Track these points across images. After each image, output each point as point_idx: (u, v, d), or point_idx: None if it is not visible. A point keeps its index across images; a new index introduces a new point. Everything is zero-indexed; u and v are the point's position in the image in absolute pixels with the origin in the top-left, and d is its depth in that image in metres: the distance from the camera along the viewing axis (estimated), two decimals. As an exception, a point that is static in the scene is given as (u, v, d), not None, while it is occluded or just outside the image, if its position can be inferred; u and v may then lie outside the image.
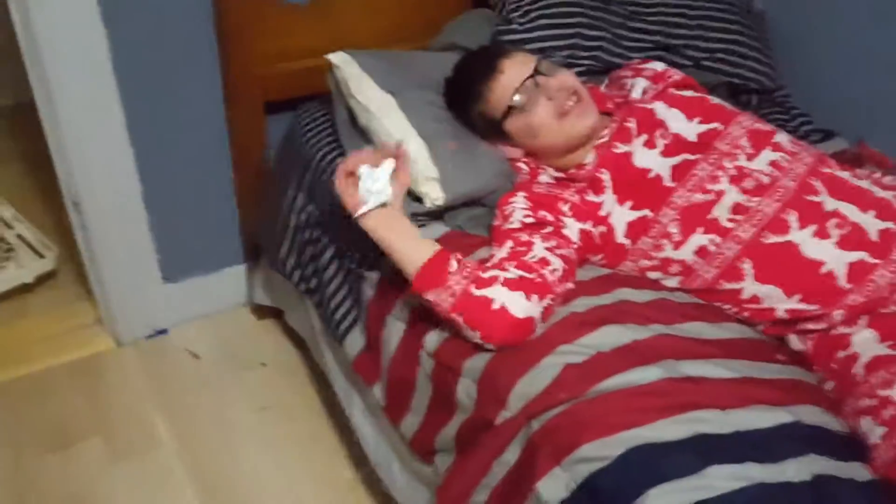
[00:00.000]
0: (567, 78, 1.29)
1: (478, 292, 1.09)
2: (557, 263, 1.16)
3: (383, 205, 1.14)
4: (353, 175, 1.14)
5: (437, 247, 1.14)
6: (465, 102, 1.37)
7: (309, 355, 1.82)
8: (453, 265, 1.11)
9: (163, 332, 1.93)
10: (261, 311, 1.97)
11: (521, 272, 1.12)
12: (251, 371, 1.85)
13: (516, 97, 1.28)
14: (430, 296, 1.11)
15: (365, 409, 1.49)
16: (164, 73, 1.60)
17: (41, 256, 2.03)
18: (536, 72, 1.28)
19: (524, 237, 1.19)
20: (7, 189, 2.25)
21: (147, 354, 1.88)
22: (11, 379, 1.78)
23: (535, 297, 1.10)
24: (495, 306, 1.08)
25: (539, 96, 1.27)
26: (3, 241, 2.07)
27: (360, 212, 1.15)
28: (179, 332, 1.94)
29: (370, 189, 1.14)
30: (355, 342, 1.42)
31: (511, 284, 1.09)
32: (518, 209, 1.24)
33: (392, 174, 1.15)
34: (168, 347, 1.91)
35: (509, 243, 1.19)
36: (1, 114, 2.76)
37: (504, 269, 1.12)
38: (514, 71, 1.29)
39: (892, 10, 1.57)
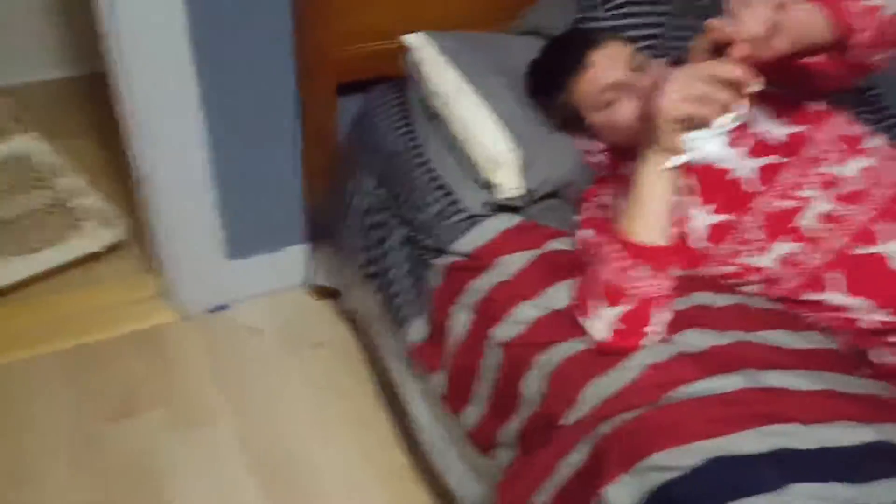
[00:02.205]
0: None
1: (656, 313, 1.06)
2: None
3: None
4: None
5: (668, 239, 1.07)
6: (548, 92, 1.33)
7: (366, 338, 1.82)
8: (675, 271, 1.08)
9: (224, 307, 1.95)
10: (320, 292, 1.98)
11: None
12: (308, 350, 1.86)
13: (604, 94, 1.23)
14: (640, 269, 1.04)
15: (423, 396, 1.48)
16: (240, 50, 1.60)
17: (110, 226, 2.06)
18: (628, 68, 1.23)
19: None
20: (81, 160, 2.29)
21: (208, 328, 1.90)
22: (77, 346, 1.82)
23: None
24: (649, 327, 1.05)
25: (628, 94, 1.22)
26: (73, 210, 2.11)
27: (672, 164, 1.00)
28: (240, 307, 1.95)
29: (707, 147, 0.96)
30: (418, 329, 1.40)
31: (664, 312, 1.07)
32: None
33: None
34: (229, 322, 1.92)
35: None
36: (77, 84, 2.81)
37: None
38: (604, 66, 1.24)
39: None
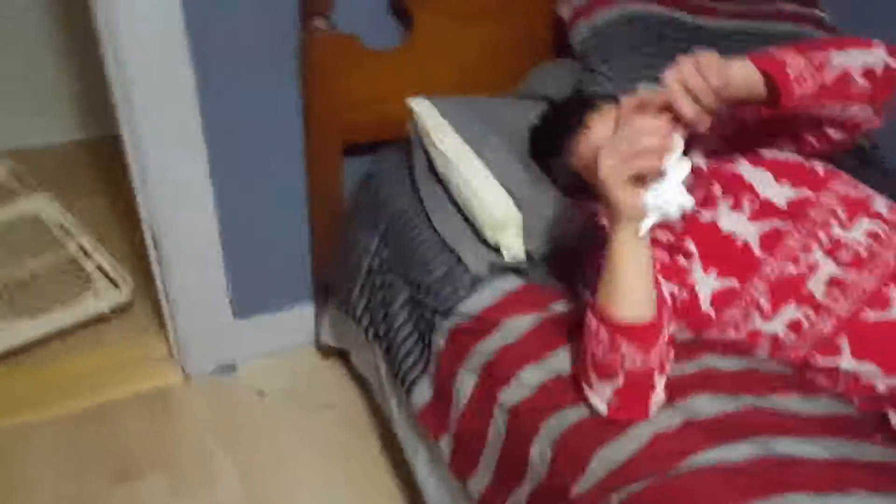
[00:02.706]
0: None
1: (657, 378, 1.03)
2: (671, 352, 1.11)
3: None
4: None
5: (655, 309, 1.02)
6: (549, 154, 1.34)
7: (373, 400, 1.80)
8: (664, 337, 1.03)
9: (230, 367, 1.94)
10: (327, 352, 1.97)
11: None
12: (315, 412, 1.84)
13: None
14: (626, 348, 1.00)
15: (429, 462, 1.45)
16: (248, 112, 1.63)
17: (118, 287, 2.07)
18: None
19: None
20: (88, 219, 2.32)
21: (214, 390, 1.89)
22: (82, 408, 1.81)
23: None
24: (653, 400, 1.03)
25: None
26: (83, 270, 2.12)
27: (645, 227, 0.95)
28: (247, 368, 1.94)
29: (666, 198, 0.91)
30: (423, 392, 1.39)
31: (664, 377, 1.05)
32: None
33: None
34: (235, 384, 1.91)
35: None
36: (87, 146, 2.86)
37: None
38: (603, 128, 1.25)
39: None
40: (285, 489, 1.65)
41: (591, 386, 1.06)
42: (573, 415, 1.08)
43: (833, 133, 1.18)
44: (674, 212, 0.93)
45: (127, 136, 1.62)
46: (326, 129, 1.63)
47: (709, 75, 0.91)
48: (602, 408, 1.05)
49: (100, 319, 2.03)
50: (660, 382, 1.04)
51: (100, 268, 2.13)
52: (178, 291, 1.78)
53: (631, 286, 1.01)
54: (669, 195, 0.92)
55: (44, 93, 2.79)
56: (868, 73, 1.08)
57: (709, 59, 0.92)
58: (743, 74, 0.99)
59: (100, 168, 2.72)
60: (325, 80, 1.56)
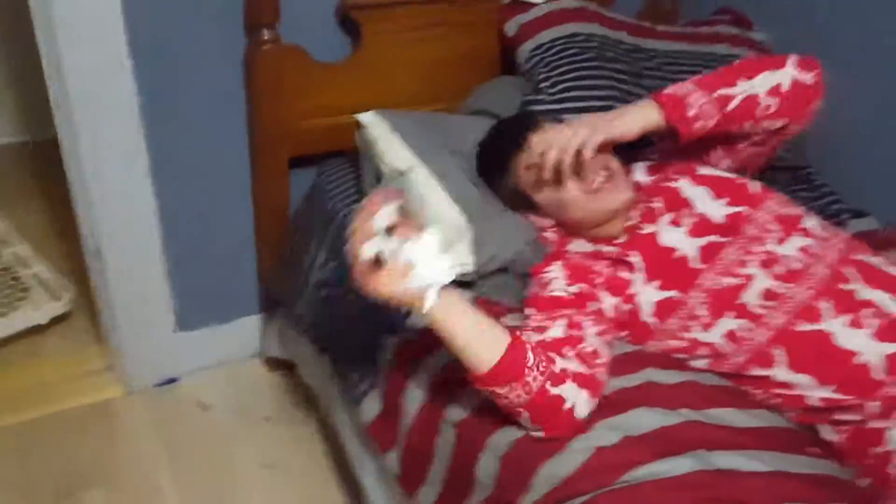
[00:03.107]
0: (595, 164, 1.25)
1: (553, 390, 1.03)
2: (604, 352, 1.13)
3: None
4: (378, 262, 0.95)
5: (507, 333, 1.03)
6: (494, 173, 1.36)
7: (319, 412, 1.79)
8: (531, 358, 1.02)
9: (173, 380, 1.91)
10: (273, 364, 1.95)
11: (583, 368, 1.07)
12: (260, 425, 1.82)
13: (545, 174, 1.25)
14: (505, 390, 1.02)
15: (377, 475, 1.45)
16: (192, 123, 1.60)
17: (56, 298, 2.01)
18: None
19: (574, 316, 1.16)
20: (24, 227, 2.25)
21: (156, 403, 1.86)
22: (19, 422, 1.76)
23: (594, 397, 1.07)
24: (566, 406, 1.03)
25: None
26: (19, 280, 2.06)
27: (428, 305, 0.95)
28: (190, 380, 1.91)
29: (431, 274, 0.93)
30: (371, 406, 1.38)
31: (580, 381, 1.05)
32: (556, 279, 1.21)
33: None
34: (178, 397, 1.88)
35: (562, 322, 1.14)
36: (19, 151, 2.77)
37: (566, 358, 1.07)
38: (541, 148, 1.28)
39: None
40: (226, 504, 1.63)
41: (520, 424, 1.08)
42: (517, 431, 1.09)
43: (761, 143, 1.30)
44: (447, 277, 0.95)
45: (64, 144, 1.58)
46: (273, 140, 1.62)
47: (570, 149, 1.17)
48: (539, 434, 1.07)
49: (37, 331, 1.97)
50: (565, 389, 1.03)
51: (37, 277, 2.07)
52: (118, 303, 1.75)
53: (469, 341, 1.01)
54: (432, 271, 0.94)
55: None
56: (774, 92, 1.23)
57: (570, 134, 1.18)
58: (634, 121, 1.21)
59: (37, 173, 2.64)
60: (272, 92, 1.55)
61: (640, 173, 1.36)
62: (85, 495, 1.62)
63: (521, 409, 1.04)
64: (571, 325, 1.14)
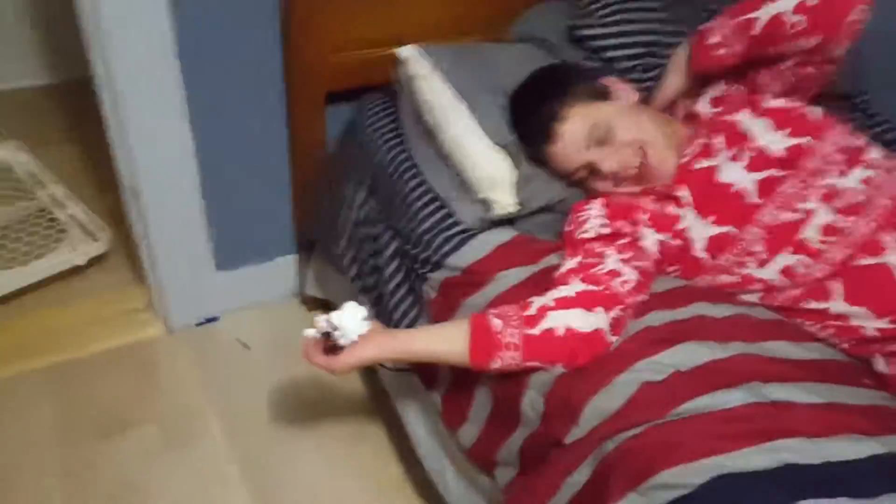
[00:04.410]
0: (626, 151, 1.22)
1: (536, 330, 1.05)
2: (631, 275, 1.12)
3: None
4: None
5: (465, 320, 1.10)
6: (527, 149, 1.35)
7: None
8: (496, 323, 1.07)
9: (213, 319, 1.92)
10: (311, 303, 1.95)
11: (584, 286, 1.09)
12: (299, 364, 1.82)
13: (575, 175, 1.28)
14: (496, 364, 1.07)
15: (419, 412, 1.46)
16: (227, 59, 1.57)
17: (93, 238, 2.03)
18: (589, 144, 1.25)
19: (597, 248, 1.15)
20: (59, 169, 2.25)
21: (197, 342, 1.87)
22: (62, 362, 1.78)
23: (599, 309, 1.07)
24: (560, 332, 1.05)
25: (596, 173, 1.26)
26: (56, 221, 2.07)
27: (341, 364, 1.13)
28: (230, 320, 1.93)
29: (345, 330, 1.11)
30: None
31: (564, 303, 1.07)
32: (594, 217, 1.19)
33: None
34: (218, 335, 1.90)
35: (579, 256, 1.15)
36: (56, 92, 2.76)
37: (567, 285, 1.10)
38: (569, 139, 1.26)
39: None
40: (271, 440, 1.65)
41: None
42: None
43: (805, 64, 1.25)
44: (355, 332, 1.12)
45: (100, 84, 1.56)
46: (308, 75, 1.58)
47: None
48: (578, 366, 1.08)
49: (76, 271, 1.99)
50: (551, 320, 1.06)
51: (76, 219, 2.08)
52: (157, 244, 1.75)
53: (435, 350, 1.12)
54: (355, 328, 1.12)
55: (6, 36, 2.67)
56: (800, 8, 1.18)
57: None
58: (671, 75, 1.36)
59: (67, 114, 2.63)
60: (305, 26, 1.51)
61: (704, 104, 1.32)
62: (133, 432, 1.64)
63: (529, 364, 1.07)
64: (589, 256, 1.15)
